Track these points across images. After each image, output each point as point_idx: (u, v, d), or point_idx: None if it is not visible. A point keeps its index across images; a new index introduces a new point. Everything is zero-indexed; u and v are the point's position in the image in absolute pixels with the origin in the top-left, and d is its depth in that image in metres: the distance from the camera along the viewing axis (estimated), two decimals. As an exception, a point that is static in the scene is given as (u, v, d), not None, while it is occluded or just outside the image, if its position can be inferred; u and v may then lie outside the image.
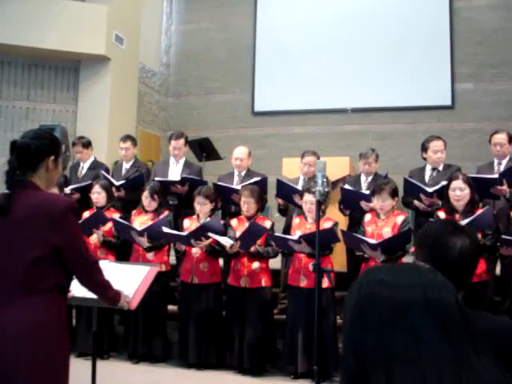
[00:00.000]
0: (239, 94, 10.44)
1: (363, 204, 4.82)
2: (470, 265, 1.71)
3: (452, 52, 9.68)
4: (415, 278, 1.04)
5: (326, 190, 2.94)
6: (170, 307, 5.39)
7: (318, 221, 2.66)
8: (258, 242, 4.83)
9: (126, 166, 6.14)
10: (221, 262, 5.23)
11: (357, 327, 1.02)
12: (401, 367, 0.94)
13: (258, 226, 4.76)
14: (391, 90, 9.60)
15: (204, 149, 6.57)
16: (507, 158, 5.13)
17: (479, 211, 4.25)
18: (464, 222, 4.01)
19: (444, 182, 4.59)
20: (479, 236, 4.15)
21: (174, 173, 5.83)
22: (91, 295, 2.56)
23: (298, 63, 10.04)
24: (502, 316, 4.58)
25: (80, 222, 5.02)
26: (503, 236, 4.15)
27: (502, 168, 5.06)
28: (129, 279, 3.12)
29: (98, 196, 5.38)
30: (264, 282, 4.89)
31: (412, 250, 3.98)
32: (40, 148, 2.28)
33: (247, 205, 4.92)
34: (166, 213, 5.20)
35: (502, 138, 5.14)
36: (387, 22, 9.79)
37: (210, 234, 4.77)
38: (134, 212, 5.35)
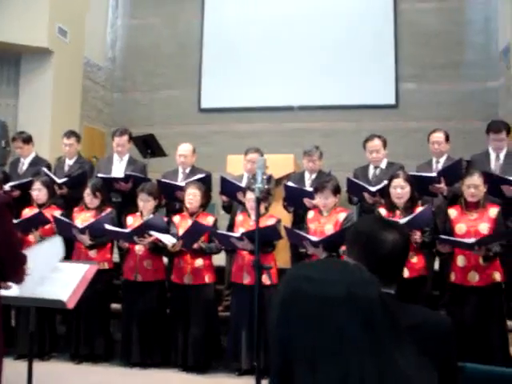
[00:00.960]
0: (186, 90, 10.35)
1: (306, 201, 4.87)
2: (402, 258, 1.75)
3: (396, 53, 9.90)
4: (340, 275, 1.05)
5: (266, 187, 2.96)
6: (114, 306, 5.31)
7: (257, 217, 2.67)
8: (202, 238, 4.83)
9: (69, 162, 6.02)
10: (165, 259, 5.20)
11: (283, 325, 1.03)
12: (324, 366, 0.95)
13: (200, 225, 4.75)
14: (337, 89, 9.73)
15: (148, 145, 6.51)
16: (445, 157, 5.28)
17: (419, 209, 4.37)
18: (404, 220, 4.12)
19: (386, 181, 4.69)
20: (418, 233, 4.27)
21: (118, 170, 5.75)
22: (27, 294, 2.50)
23: (245, 60, 10.04)
24: (437, 310, 4.73)
25: (20, 220, 4.96)
26: (441, 236, 4.28)
27: (440, 166, 5.20)
28: (67, 278, 3.06)
29: (38, 193, 5.26)
30: (207, 278, 4.89)
31: (343, 248, 4.05)
32: None
33: (193, 196, 4.90)
34: (109, 210, 5.13)
35: (439, 136, 5.28)
36: (334, 22, 9.91)
37: (151, 233, 4.73)
38: (75, 209, 5.25)
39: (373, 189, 4.83)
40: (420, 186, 4.62)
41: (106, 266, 5.09)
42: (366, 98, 9.68)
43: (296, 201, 5.04)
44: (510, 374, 1.96)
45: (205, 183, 5.15)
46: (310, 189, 4.96)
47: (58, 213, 5.15)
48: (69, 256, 5.08)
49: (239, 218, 4.93)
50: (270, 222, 4.63)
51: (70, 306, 2.84)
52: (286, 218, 5.28)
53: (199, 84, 10.36)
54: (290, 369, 1.00)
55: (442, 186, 4.77)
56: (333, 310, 0.98)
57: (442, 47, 9.71)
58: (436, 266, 5.08)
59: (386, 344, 0.99)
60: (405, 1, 10.04)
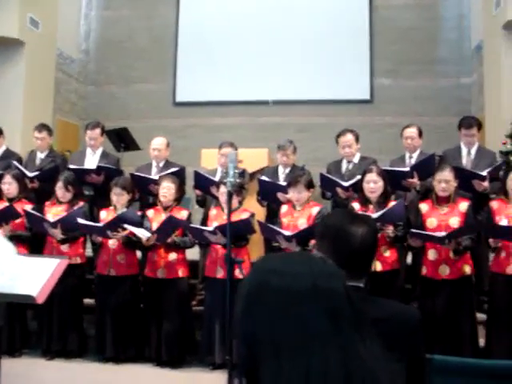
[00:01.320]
0: (161, 83, 10.26)
1: (280, 195, 4.87)
2: (371, 252, 1.77)
3: (371, 48, 9.95)
4: (305, 268, 1.05)
5: (238, 180, 2.95)
6: (87, 301, 5.26)
7: (228, 211, 2.67)
8: (176, 232, 4.81)
9: (41, 155, 5.94)
10: (139, 253, 5.16)
11: (248, 317, 1.03)
12: (289, 360, 0.95)
13: (174, 219, 4.73)
14: (313, 83, 9.74)
15: (122, 139, 6.46)
16: (418, 152, 5.32)
17: (391, 203, 4.41)
18: (376, 215, 4.15)
19: (359, 176, 4.73)
20: (391, 227, 4.30)
21: (91, 163, 5.68)
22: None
23: (220, 54, 9.99)
24: (409, 303, 4.78)
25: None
26: (412, 230, 4.32)
27: (413, 161, 5.24)
28: (37, 272, 3.02)
29: (9, 187, 5.18)
30: (181, 272, 4.87)
31: (312, 242, 4.08)
32: None
33: (167, 190, 4.87)
34: (81, 204, 5.07)
35: (412, 131, 5.32)
36: (309, 17, 9.92)
37: (125, 226, 4.70)
38: (47, 203, 5.18)
39: (346, 184, 4.85)
40: (393, 181, 4.66)
41: (79, 260, 5.05)
42: (341, 93, 9.72)
43: (270, 195, 5.04)
44: (475, 364, 1.99)
45: (178, 177, 5.13)
46: (284, 183, 4.97)
47: (29, 207, 5.08)
48: (41, 250, 5.03)
49: (213, 211, 4.92)
50: (244, 216, 4.64)
51: (40, 301, 2.80)
52: (261, 212, 5.28)
53: (174, 77, 10.28)
54: (255, 362, 0.99)
55: (415, 180, 4.81)
56: (298, 304, 0.98)
57: (416, 43, 9.80)
58: (409, 259, 5.13)
59: (351, 337, 0.99)
60: (380, -4, 10.11)
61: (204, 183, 5.13)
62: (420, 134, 5.31)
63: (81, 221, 4.76)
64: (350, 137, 5.24)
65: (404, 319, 1.73)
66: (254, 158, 5.51)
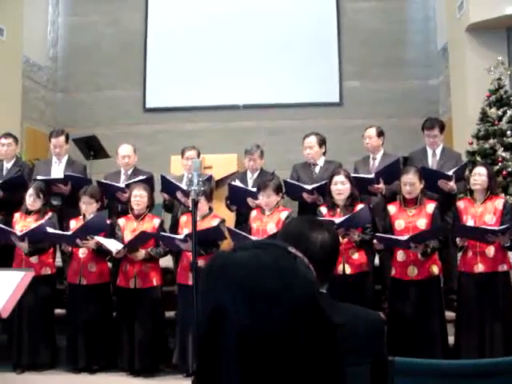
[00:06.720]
0: (130, 89, 10.19)
1: (250, 201, 4.87)
2: (332, 257, 1.78)
3: (340, 51, 10.06)
4: (274, 261, 1.02)
5: (203, 188, 2.95)
6: (58, 311, 5.19)
7: (194, 220, 2.66)
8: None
9: (7, 165, 5.82)
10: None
11: (210, 292, 0.98)
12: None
13: (146, 234, 4.71)
14: (283, 87, 9.80)
15: (91, 147, 6.40)
16: (381, 152, 5.36)
17: (358, 206, 4.45)
18: (341, 220, 4.19)
19: (323, 182, 4.77)
20: (357, 232, 4.34)
21: (57, 172, 5.61)
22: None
23: (189, 59, 9.98)
24: (379, 305, 4.84)
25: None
26: (377, 234, 4.38)
27: (376, 162, 5.28)
28: (2, 286, 2.98)
29: (-26, 198, 5.09)
30: (155, 281, 4.84)
31: None
32: None
33: (140, 198, 4.85)
34: (50, 214, 5.00)
35: (370, 131, 5.35)
36: (278, 21, 9.98)
37: (97, 238, 4.66)
38: (16, 215, 5.08)
39: (309, 187, 4.87)
40: (359, 186, 4.69)
41: (49, 271, 4.98)
42: (310, 96, 9.80)
43: (240, 200, 5.04)
44: (437, 365, 2.03)
45: (147, 184, 5.10)
46: (254, 189, 4.97)
47: (-5, 218, 5.00)
48: (10, 262, 4.95)
49: (183, 218, 4.88)
50: (215, 222, 4.63)
51: (4, 315, 2.76)
52: (230, 218, 5.27)
53: (144, 83, 10.24)
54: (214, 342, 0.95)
55: (381, 186, 4.87)
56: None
57: (384, 46, 9.92)
58: (376, 260, 5.17)
59: (313, 342, 0.98)
60: (347, 0, 10.20)
61: (170, 188, 5.10)
62: (379, 134, 5.34)
63: (50, 229, 4.70)
64: (312, 139, 5.26)
65: (365, 324, 1.75)
66: (223, 164, 5.51)
